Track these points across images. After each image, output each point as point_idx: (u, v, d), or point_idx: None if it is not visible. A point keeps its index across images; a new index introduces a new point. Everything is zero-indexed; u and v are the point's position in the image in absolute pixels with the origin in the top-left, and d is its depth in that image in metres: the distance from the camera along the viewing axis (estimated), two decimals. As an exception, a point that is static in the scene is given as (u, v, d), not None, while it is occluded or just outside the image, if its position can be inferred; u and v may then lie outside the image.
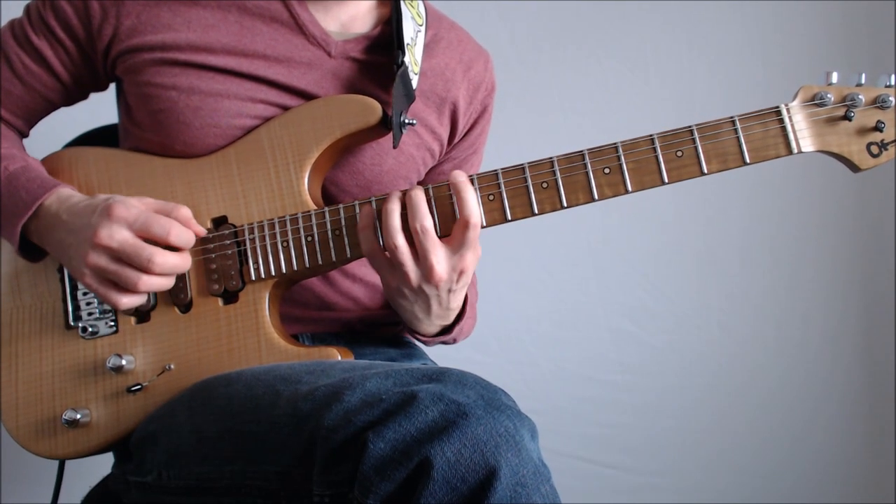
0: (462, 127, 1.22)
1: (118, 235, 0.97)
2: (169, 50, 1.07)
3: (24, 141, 1.19)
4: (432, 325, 1.11)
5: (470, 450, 0.75)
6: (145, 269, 0.98)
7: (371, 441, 0.77)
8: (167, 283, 1.02)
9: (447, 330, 1.14)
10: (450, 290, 1.03)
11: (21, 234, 1.05)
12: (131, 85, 1.10)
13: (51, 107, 1.17)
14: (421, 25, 1.17)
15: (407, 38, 1.11)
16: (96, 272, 0.99)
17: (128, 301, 1.01)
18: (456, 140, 1.23)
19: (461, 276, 1.01)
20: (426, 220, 0.98)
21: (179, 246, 1.01)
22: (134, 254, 0.98)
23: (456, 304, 1.07)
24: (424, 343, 1.25)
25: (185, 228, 1.02)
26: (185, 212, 1.03)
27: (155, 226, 0.99)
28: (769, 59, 2.05)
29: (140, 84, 1.08)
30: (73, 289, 1.10)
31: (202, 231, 1.05)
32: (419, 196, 0.99)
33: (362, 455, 0.77)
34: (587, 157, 1.01)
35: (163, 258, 0.99)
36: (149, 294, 1.05)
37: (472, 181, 1.02)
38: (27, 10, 1.13)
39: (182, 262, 1.02)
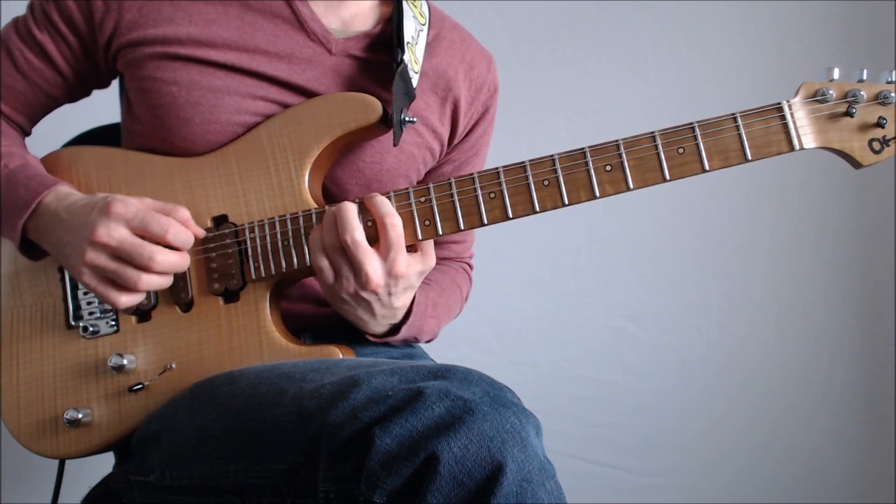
0: (462, 128, 1.22)
1: (116, 233, 0.97)
2: (170, 44, 1.07)
3: (26, 140, 1.19)
4: (380, 325, 1.09)
5: (476, 445, 0.75)
6: (145, 268, 0.98)
7: (377, 436, 0.77)
8: (166, 281, 1.02)
9: (396, 329, 1.12)
10: (390, 294, 1.02)
11: (21, 232, 1.05)
12: (132, 80, 1.10)
13: (53, 103, 1.17)
14: (423, 25, 1.17)
15: (407, 37, 1.11)
16: (95, 270, 0.99)
17: (127, 300, 1.01)
18: (456, 141, 1.23)
19: (398, 280, 1.01)
20: (357, 233, 0.98)
21: (177, 245, 1.01)
22: (135, 252, 0.98)
23: (401, 303, 1.06)
24: (384, 343, 1.20)
25: (183, 228, 1.01)
26: (184, 212, 1.03)
27: (153, 224, 0.99)
28: (769, 58, 2.05)
29: (140, 79, 1.08)
30: (74, 288, 1.10)
31: (201, 232, 1.05)
32: (347, 209, 0.99)
33: (368, 450, 0.77)
34: (588, 155, 1.01)
35: (163, 256, 0.99)
36: (149, 293, 1.05)
37: (473, 180, 1.02)
38: (30, 5, 1.13)
39: (181, 260, 1.02)
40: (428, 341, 1.25)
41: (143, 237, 0.99)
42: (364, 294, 1.01)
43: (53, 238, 1.04)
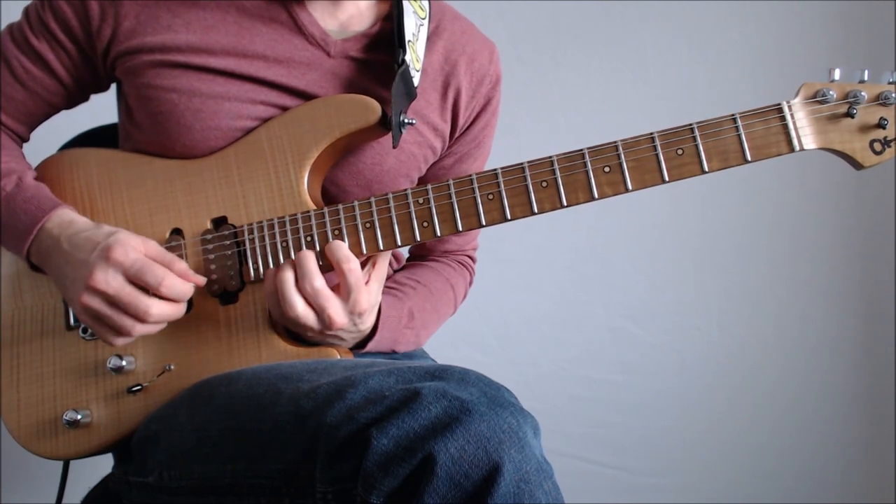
0: (463, 121, 1.21)
1: (114, 282, 0.98)
2: (169, 51, 1.07)
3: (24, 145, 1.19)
4: (347, 344, 1.09)
5: (473, 446, 0.75)
6: (141, 320, 0.99)
7: (374, 437, 0.77)
8: (160, 328, 1.03)
9: (363, 344, 1.12)
10: (354, 324, 1.03)
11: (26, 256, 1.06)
12: (131, 87, 1.10)
13: (52, 110, 1.17)
14: (424, 19, 1.16)
15: (408, 35, 1.11)
16: (89, 312, 1.00)
17: (121, 341, 1.02)
18: (457, 134, 1.22)
19: (361, 315, 1.02)
20: (316, 281, 0.99)
21: (171, 298, 1.00)
22: (131, 304, 0.98)
23: (366, 325, 1.06)
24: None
25: (179, 280, 1.01)
26: (181, 265, 1.02)
27: (149, 275, 0.98)
28: (769, 58, 2.05)
29: (140, 86, 1.08)
30: (74, 289, 1.09)
31: (201, 280, 1.04)
32: (305, 257, 1.00)
33: (365, 451, 0.77)
34: (587, 156, 1.01)
35: (158, 310, 0.99)
36: None
37: (471, 181, 1.02)
38: (26, 12, 1.12)
39: (176, 311, 1.02)
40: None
41: (139, 286, 0.99)
42: (329, 332, 1.02)
43: (53, 265, 1.04)
